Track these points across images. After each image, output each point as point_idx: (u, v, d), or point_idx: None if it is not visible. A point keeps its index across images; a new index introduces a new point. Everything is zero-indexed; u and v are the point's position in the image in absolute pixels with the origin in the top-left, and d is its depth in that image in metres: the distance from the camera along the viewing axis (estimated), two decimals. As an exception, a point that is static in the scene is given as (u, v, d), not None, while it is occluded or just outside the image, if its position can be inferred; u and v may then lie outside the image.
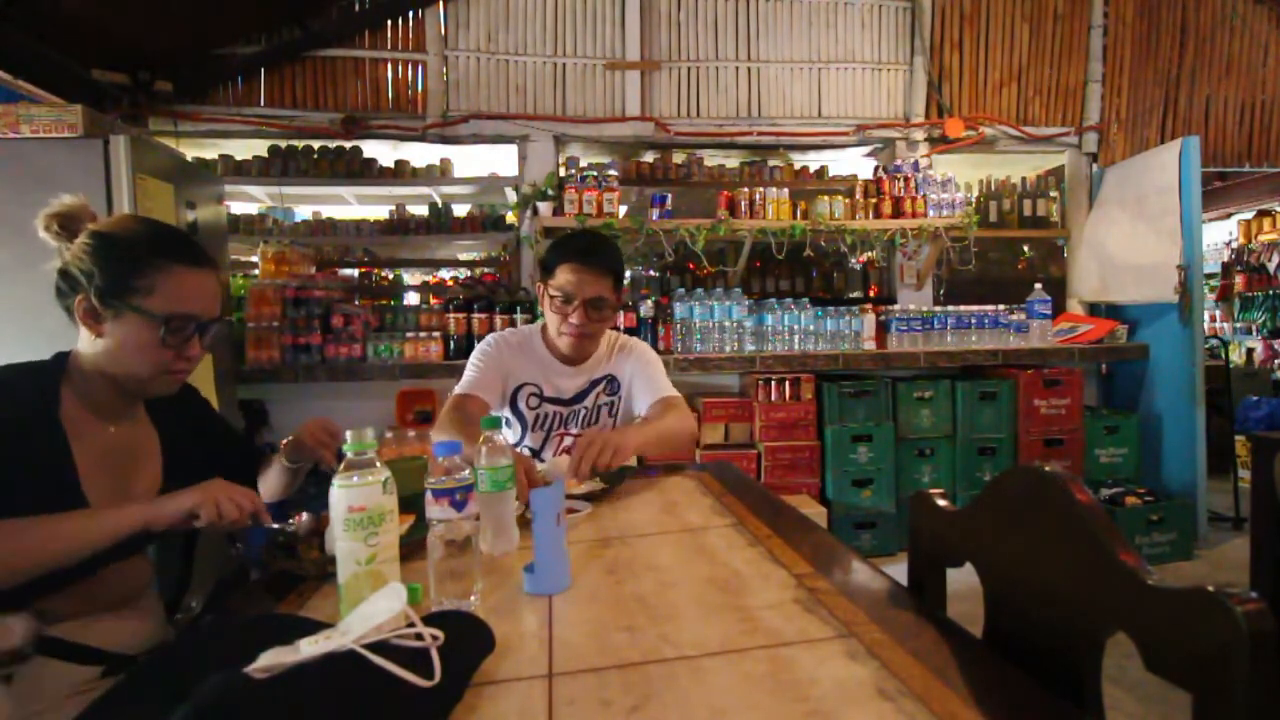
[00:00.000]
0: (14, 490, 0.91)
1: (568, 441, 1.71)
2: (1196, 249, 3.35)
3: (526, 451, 1.71)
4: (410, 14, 3.63)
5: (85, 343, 1.01)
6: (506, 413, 1.71)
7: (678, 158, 4.01)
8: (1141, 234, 3.57)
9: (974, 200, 3.94)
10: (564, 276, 1.58)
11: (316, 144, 3.74)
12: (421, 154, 3.95)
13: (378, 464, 0.85)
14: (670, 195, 3.57)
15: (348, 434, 0.85)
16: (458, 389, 1.64)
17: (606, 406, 1.75)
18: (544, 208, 3.33)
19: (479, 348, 1.72)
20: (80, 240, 0.99)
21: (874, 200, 3.62)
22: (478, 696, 0.68)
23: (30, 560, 0.87)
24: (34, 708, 0.91)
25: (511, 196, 3.96)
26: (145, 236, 1.03)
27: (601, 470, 1.34)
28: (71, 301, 0.98)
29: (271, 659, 0.61)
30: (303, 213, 4.77)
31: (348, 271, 4.46)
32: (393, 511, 0.85)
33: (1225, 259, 6.22)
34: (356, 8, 3.61)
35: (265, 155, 3.73)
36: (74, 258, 0.99)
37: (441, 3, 3.64)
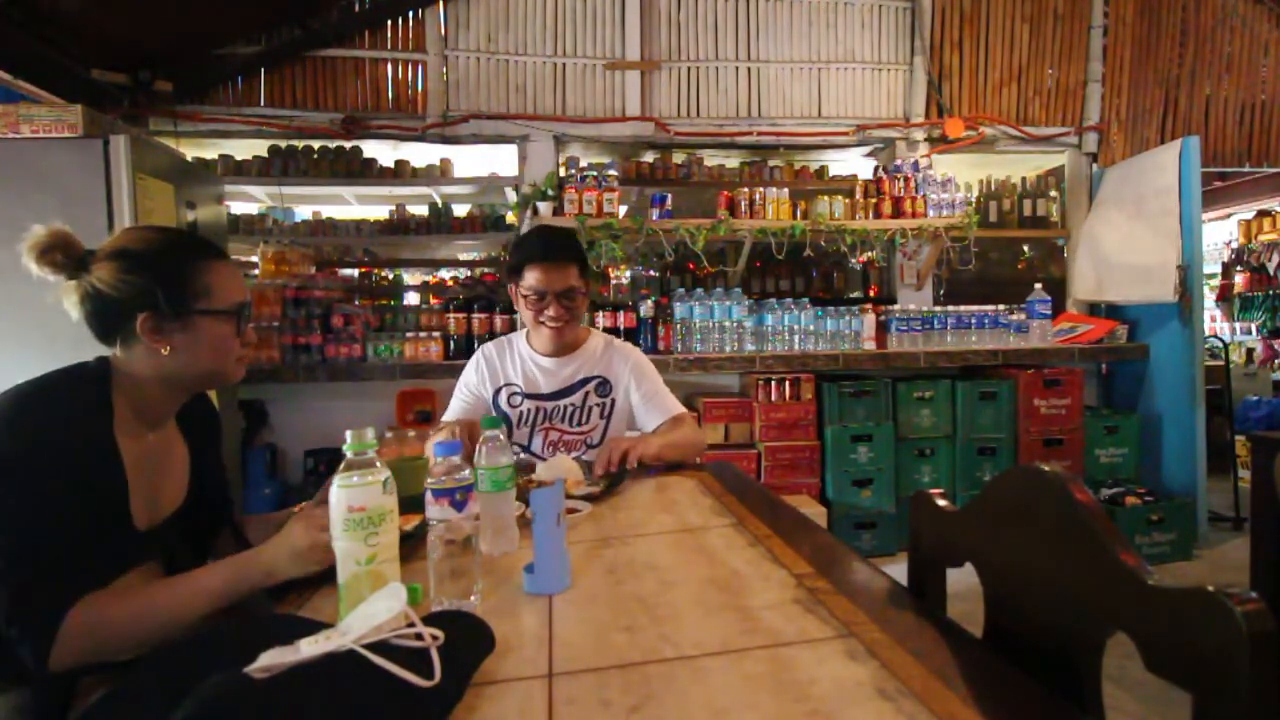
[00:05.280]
0: (66, 510, 0.90)
1: (554, 436, 1.76)
2: (1196, 249, 3.35)
3: (516, 449, 1.75)
4: (410, 14, 3.63)
5: (145, 355, 1.01)
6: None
7: (678, 158, 4.01)
8: (1139, 234, 3.56)
9: (974, 200, 3.94)
10: (533, 276, 1.66)
11: (316, 144, 3.74)
12: (421, 154, 3.95)
13: (378, 464, 0.85)
14: (670, 195, 3.57)
15: (348, 434, 0.85)
16: (444, 417, 1.76)
17: (598, 407, 1.78)
18: (544, 208, 3.33)
19: (464, 373, 1.84)
20: (108, 265, 0.97)
21: (874, 200, 3.62)
22: (478, 696, 0.68)
23: (158, 636, 0.88)
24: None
25: (511, 196, 3.96)
26: (175, 244, 1.07)
27: (614, 467, 1.45)
28: (130, 323, 0.98)
29: (271, 659, 0.61)
30: (303, 213, 4.77)
31: (348, 271, 4.46)
32: (393, 511, 0.85)
33: (1225, 259, 6.22)
34: (356, 8, 3.61)
35: (265, 155, 3.73)
36: (109, 282, 0.97)
37: (441, 3, 3.64)
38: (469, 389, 1.80)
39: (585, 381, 1.78)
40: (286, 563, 0.94)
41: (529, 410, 1.76)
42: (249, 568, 0.94)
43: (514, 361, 1.79)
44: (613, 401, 1.79)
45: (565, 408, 1.76)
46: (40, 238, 0.96)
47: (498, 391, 1.78)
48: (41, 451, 0.90)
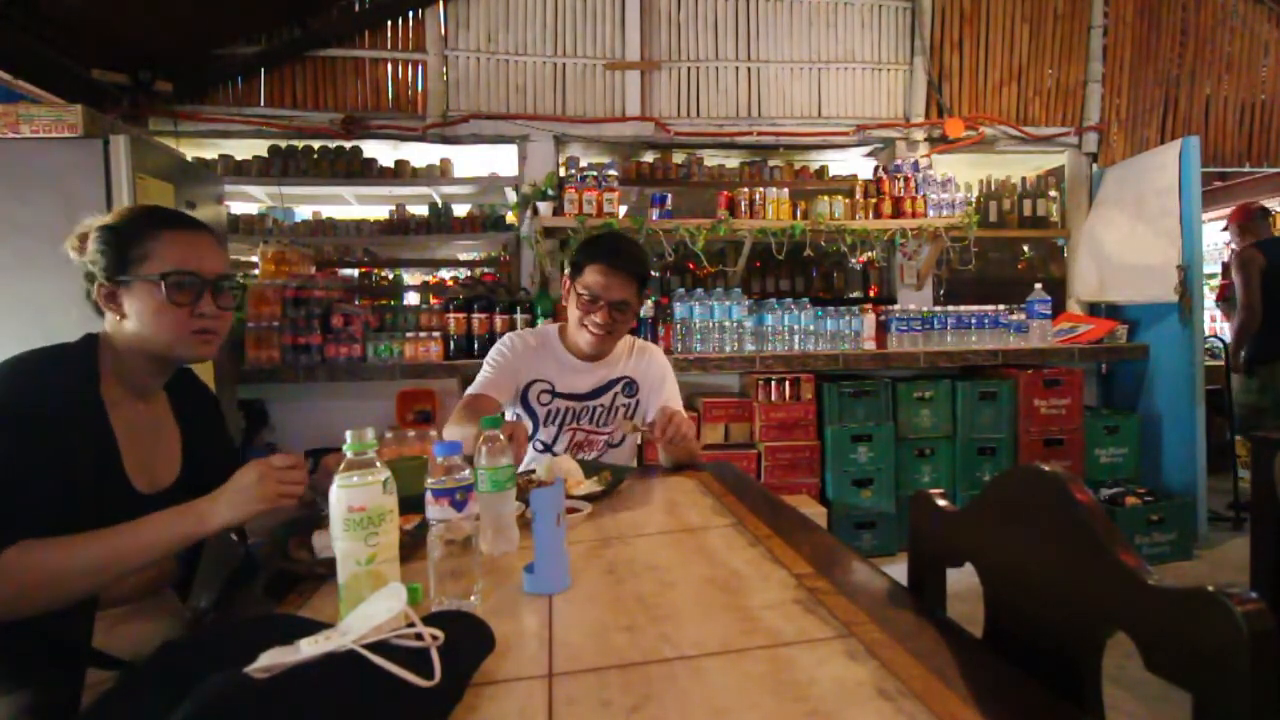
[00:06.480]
0: (67, 473, 0.94)
1: (579, 436, 1.76)
2: (1196, 249, 3.35)
3: (539, 446, 1.75)
4: (410, 14, 3.63)
5: (113, 325, 1.06)
6: (517, 409, 1.75)
7: (678, 158, 4.01)
8: (1140, 234, 3.57)
9: (974, 200, 3.93)
10: (592, 277, 1.64)
11: (316, 144, 3.74)
12: (421, 154, 3.95)
13: (378, 464, 0.85)
14: (670, 195, 3.57)
15: (348, 434, 0.85)
16: (471, 389, 1.70)
17: (624, 408, 1.79)
18: (544, 208, 3.33)
19: (495, 348, 1.77)
20: (90, 240, 1.06)
21: (874, 200, 3.62)
22: (478, 696, 0.68)
23: (87, 584, 0.89)
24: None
25: (511, 196, 3.96)
26: (136, 215, 1.09)
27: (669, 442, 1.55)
28: (95, 294, 1.05)
29: (271, 659, 0.61)
30: (303, 213, 4.77)
31: (348, 271, 4.46)
32: (393, 511, 0.85)
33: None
34: (356, 8, 3.61)
35: (265, 155, 3.73)
36: (86, 255, 1.05)
37: (441, 3, 3.64)
38: (500, 363, 1.72)
39: (614, 383, 1.78)
40: (225, 504, 0.95)
41: (558, 409, 1.74)
42: (184, 515, 0.95)
43: (548, 359, 1.76)
44: (638, 403, 1.80)
45: (594, 408, 1.76)
46: (79, 228, 1.08)
47: (529, 385, 1.74)
48: (11, 403, 0.93)
